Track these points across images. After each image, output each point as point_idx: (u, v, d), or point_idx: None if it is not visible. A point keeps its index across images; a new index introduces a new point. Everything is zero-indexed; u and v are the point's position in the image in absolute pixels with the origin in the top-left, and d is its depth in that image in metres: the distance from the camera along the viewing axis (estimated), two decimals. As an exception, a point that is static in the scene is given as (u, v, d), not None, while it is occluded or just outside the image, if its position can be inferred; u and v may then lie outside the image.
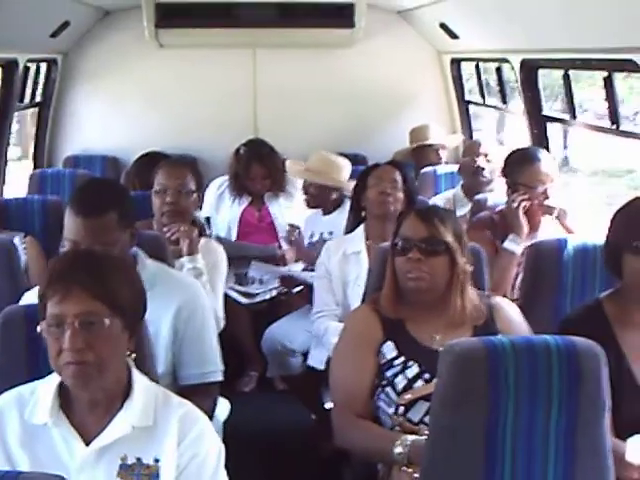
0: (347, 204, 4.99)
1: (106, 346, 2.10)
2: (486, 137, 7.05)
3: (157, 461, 2.16)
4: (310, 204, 5.29)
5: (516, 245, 3.97)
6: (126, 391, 2.20)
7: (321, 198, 5.21)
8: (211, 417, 3.02)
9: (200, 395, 2.95)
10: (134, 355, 2.23)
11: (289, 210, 5.65)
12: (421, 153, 6.03)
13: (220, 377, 3.14)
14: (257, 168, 5.58)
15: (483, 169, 5.08)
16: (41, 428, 2.17)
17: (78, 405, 2.18)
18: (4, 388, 2.30)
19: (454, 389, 2.24)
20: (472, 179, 5.14)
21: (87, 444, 2.16)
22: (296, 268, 5.31)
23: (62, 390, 2.19)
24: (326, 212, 5.23)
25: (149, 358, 2.58)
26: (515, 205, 4.02)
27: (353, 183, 4.51)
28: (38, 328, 2.12)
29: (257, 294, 5.40)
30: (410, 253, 2.88)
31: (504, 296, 3.86)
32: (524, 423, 2.24)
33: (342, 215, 4.97)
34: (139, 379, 2.24)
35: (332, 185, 5.16)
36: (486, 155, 5.10)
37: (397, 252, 2.93)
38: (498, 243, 4.05)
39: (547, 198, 4.04)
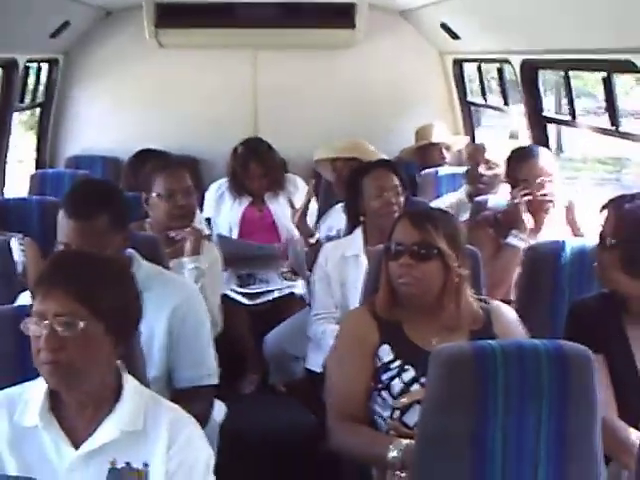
0: None
1: (80, 349, 2.07)
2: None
3: (146, 465, 2.15)
4: (339, 188, 5.08)
5: (519, 241, 4.01)
6: (116, 395, 2.19)
7: None
8: (206, 421, 2.99)
9: (194, 399, 2.94)
10: (119, 361, 2.20)
11: (290, 208, 5.63)
12: (425, 152, 6.01)
13: (215, 380, 3.12)
14: (255, 166, 5.58)
15: (482, 176, 5.03)
16: (31, 430, 2.16)
17: (67, 408, 2.17)
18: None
19: (442, 393, 2.24)
20: (475, 186, 5.10)
21: (76, 447, 2.15)
22: (297, 283, 5.31)
23: (52, 393, 2.18)
24: None
25: (140, 362, 2.56)
26: (517, 201, 4.06)
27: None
28: (21, 325, 2.11)
29: (259, 294, 5.38)
30: (402, 258, 2.86)
31: (506, 295, 3.88)
32: (514, 427, 2.23)
33: None
34: (129, 383, 2.22)
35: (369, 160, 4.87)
36: (487, 162, 5.06)
37: (390, 256, 2.91)
38: (501, 241, 4.06)
39: (545, 190, 4.07)
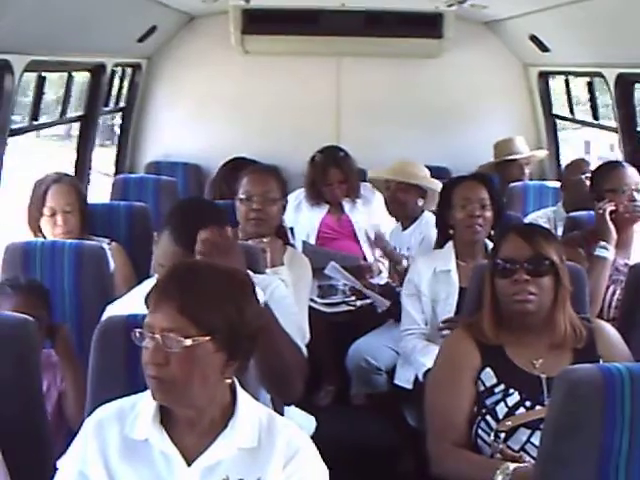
0: (423, 219, 4.88)
1: (185, 366, 2.01)
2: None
3: None
4: (395, 213, 5.12)
5: (607, 251, 3.87)
6: (230, 411, 2.13)
7: (408, 205, 4.98)
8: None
9: None
10: (229, 380, 2.12)
11: (369, 215, 5.63)
12: (505, 168, 5.90)
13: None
14: (334, 172, 5.56)
15: (585, 188, 4.90)
16: (141, 443, 2.11)
17: (177, 422, 2.12)
18: (103, 398, 2.26)
19: (568, 417, 2.15)
20: (579, 198, 4.92)
21: (187, 462, 2.09)
22: (379, 281, 5.23)
23: (163, 406, 2.12)
24: (405, 227, 5.04)
25: (251, 377, 2.50)
26: (601, 212, 3.95)
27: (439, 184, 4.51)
28: (132, 335, 2.07)
29: (340, 303, 5.31)
30: (515, 275, 2.79)
31: (601, 312, 3.77)
32: (638, 454, 2.14)
33: (418, 230, 4.86)
34: (244, 400, 2.16)
35: (421, 184, 4.94)
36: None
37: (499, 274, 2.84)
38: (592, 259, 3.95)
39: (633, 201, 3.96)
